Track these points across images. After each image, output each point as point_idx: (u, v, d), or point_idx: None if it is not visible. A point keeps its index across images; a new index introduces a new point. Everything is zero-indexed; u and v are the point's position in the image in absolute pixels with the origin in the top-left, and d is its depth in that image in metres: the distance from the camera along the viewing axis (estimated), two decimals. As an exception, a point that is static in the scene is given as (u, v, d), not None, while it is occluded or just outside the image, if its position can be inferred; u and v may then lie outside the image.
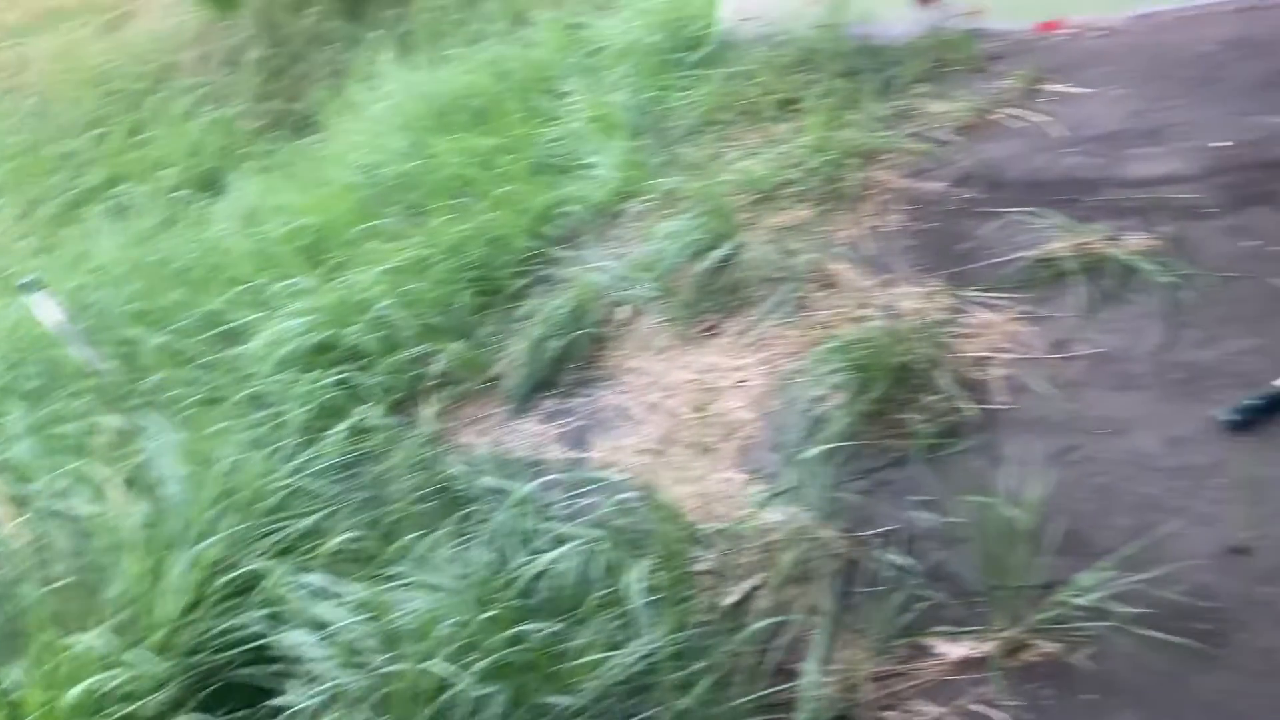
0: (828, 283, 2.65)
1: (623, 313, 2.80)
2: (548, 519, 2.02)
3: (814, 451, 2.10)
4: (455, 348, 2.71)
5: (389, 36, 4.53)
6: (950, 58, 3.47)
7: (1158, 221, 2.48)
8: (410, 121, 3.83)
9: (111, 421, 2.53)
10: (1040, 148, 2.91)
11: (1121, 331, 2.22)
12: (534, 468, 2.31)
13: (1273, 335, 2.08)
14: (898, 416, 2.17)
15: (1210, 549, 1.71)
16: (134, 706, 1.75)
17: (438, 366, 2.69)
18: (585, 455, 2.40)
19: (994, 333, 2.33)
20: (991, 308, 2.40)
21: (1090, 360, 2.18)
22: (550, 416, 2.57)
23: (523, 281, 2.96)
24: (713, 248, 2.80)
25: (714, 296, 2.72)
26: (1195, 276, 2.28)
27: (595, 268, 2.91)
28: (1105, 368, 2.15)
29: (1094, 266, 2.40)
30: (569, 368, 2.68)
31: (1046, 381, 2.15)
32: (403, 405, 2.67)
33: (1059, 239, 2.50)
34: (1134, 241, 2.43)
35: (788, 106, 3.44)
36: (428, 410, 2.59)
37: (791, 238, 2.83)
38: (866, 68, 3.47)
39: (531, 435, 2.53)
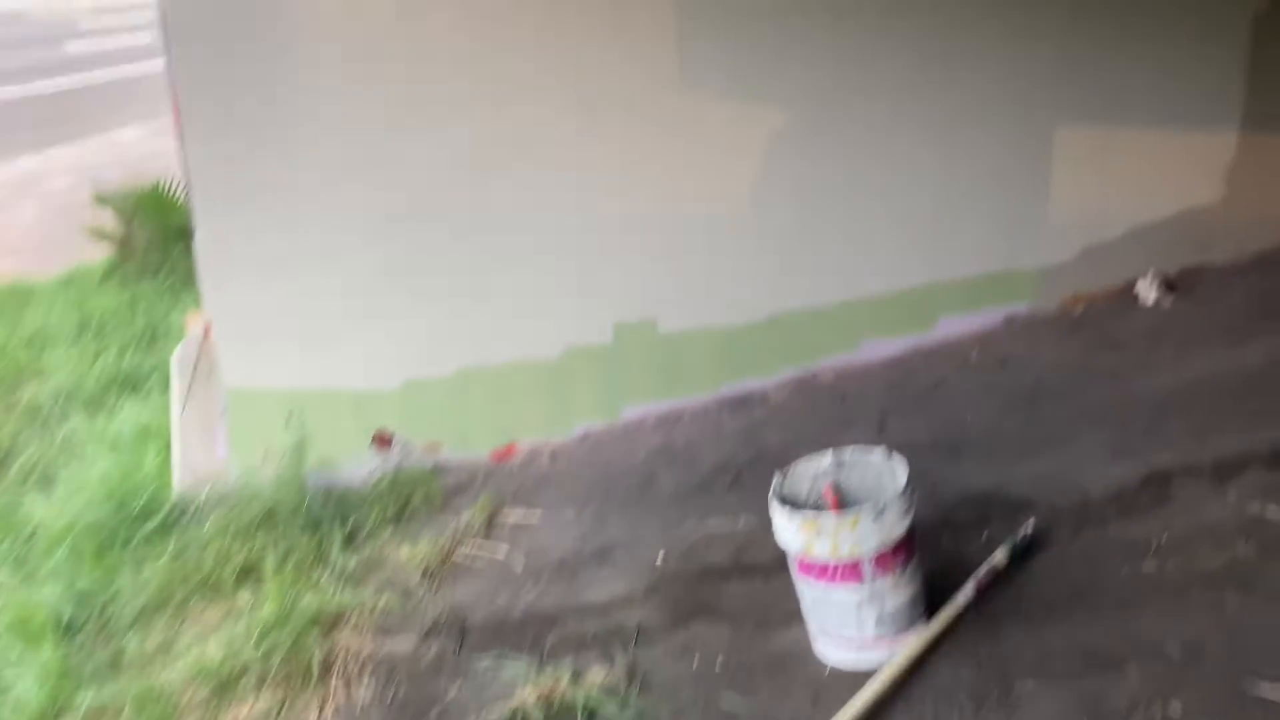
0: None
1: None
2: None
3: None
4: None
5: None
6: (414, 497, 3.47)
7: (614, 650, 2.51)
8: None
9: None
10: (503, 584, 2.91)
11: (592, 792, 2.13)
12: None
13: (726, 765, 2.10)
14: None
15: None
16: None
17: None
18: None
19: (468, 820, 2.13)
20: (467, 786, 2.22)
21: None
22: None
23: None
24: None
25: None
26: (652, 710, 2.28)
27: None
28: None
29: (562, 713, 2.34)
30: None
31: None
32: None
33: (526, 686, 2.42)
34: (595, 677, 2.41)
35: (248, 573, 3.19)
36: None
37: (250, 737, 2.49)
38: (330, 518, 3.35)
39: None
